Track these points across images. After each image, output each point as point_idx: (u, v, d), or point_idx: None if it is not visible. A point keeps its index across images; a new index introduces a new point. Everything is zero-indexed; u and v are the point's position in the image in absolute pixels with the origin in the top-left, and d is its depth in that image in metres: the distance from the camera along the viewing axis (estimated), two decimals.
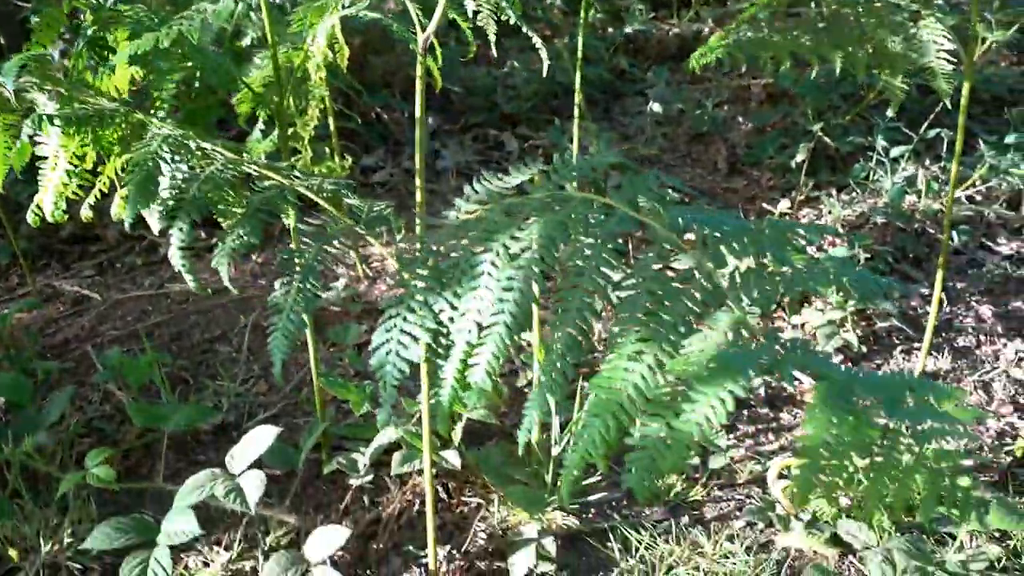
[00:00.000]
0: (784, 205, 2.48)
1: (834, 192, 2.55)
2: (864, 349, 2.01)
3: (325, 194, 1.31)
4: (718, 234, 0.97)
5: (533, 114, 2.93)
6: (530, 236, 1.03)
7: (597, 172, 1.12)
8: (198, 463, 1.74)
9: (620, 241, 1.01)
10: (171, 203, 1.18)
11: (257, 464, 1.50)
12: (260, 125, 2.22)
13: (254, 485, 1.42)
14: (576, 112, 1.92)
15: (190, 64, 1.42)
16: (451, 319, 1.04)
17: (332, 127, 2.07)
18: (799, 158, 2.56)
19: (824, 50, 2.01)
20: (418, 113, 1.25)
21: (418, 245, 1.15)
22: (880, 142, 2.44)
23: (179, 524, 1.42)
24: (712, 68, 3.32)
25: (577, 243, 1.01)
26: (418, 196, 1.27)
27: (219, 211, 1.26)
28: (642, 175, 1.07)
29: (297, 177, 1.34)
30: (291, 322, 1.13)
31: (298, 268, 1.15)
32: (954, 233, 2.33)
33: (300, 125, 2.00)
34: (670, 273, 0.98)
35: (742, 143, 2.86)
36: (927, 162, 2.58)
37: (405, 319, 1.02)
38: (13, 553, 1.49)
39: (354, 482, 1.62)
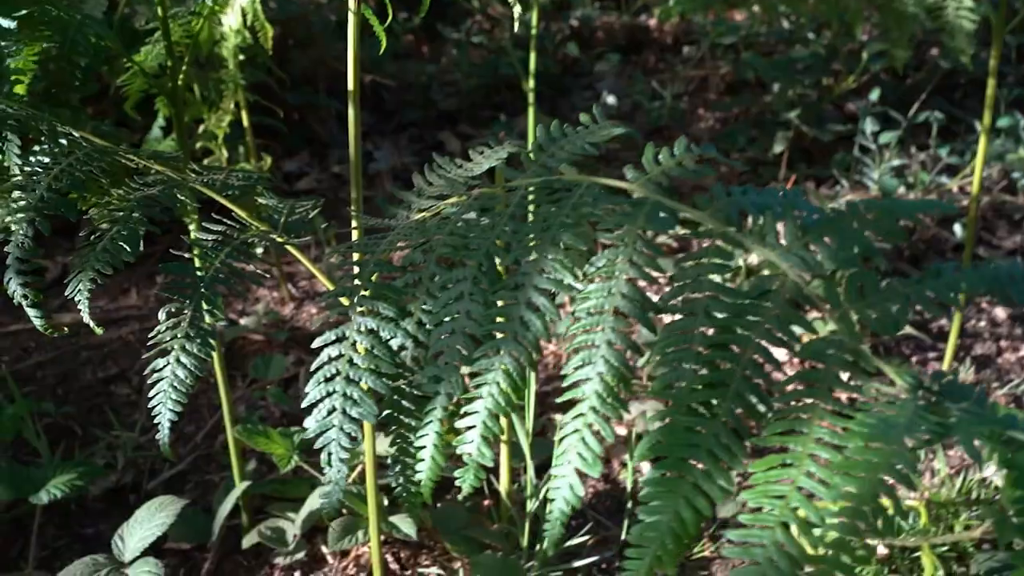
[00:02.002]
0: None
1: (813, 186, 2.30)
2: None
3: (232, 191, 0.99)
4: (805, 226, 0.68)
5: (474, 111, 2.63)
6: (525, 241, 0.73)
7: (596, 149, 0.83)
8: (83, 539, 1.39)
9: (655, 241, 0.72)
10: (13, 206, 0.85)
11: (154, 546, 1.16)
12: (160, 121, 1.88)
13: None
14: (531, 97, 1.62)
15: (48, 32, 1.09)
16: (417, 360, 0.73)
17: (246, 123, 1.74)
18: (777, 149, 2.30)
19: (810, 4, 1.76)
20: (351, 85, 0.95)
21: (358, 256, 0.84)
22: (869, 126, 2.19)
23: None
24: (668, 58, 3.05)
25: (593, 252, 0.71)
26: (353, 191, 0.95)
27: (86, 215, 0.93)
28: (666, 147, 0.78)
29: (193, 170, 1.02)
30: (183, 367, 0.81)
31: (192, 291, 0.83)
32: (956, 227, 2.09)
33: (212, 121, 1.67)
34: (729, 289, 0.68)
35: (706, 136, 2.59)
36: (913, 150, 2.34)
37: (351, 362, 0.71)
38: None
39: (282, 560, 1.29)
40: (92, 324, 0.83)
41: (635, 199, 0.73)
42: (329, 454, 0.70)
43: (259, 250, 0.90)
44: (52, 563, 1.32)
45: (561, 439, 0.68)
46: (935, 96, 2.47)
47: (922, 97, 2.32)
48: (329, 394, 0.72)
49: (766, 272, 0.67)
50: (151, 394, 0.80)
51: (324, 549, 1.34)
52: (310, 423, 0.71)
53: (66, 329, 0.86)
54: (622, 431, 1.58)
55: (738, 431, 0.65)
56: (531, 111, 1.62)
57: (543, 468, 1.44)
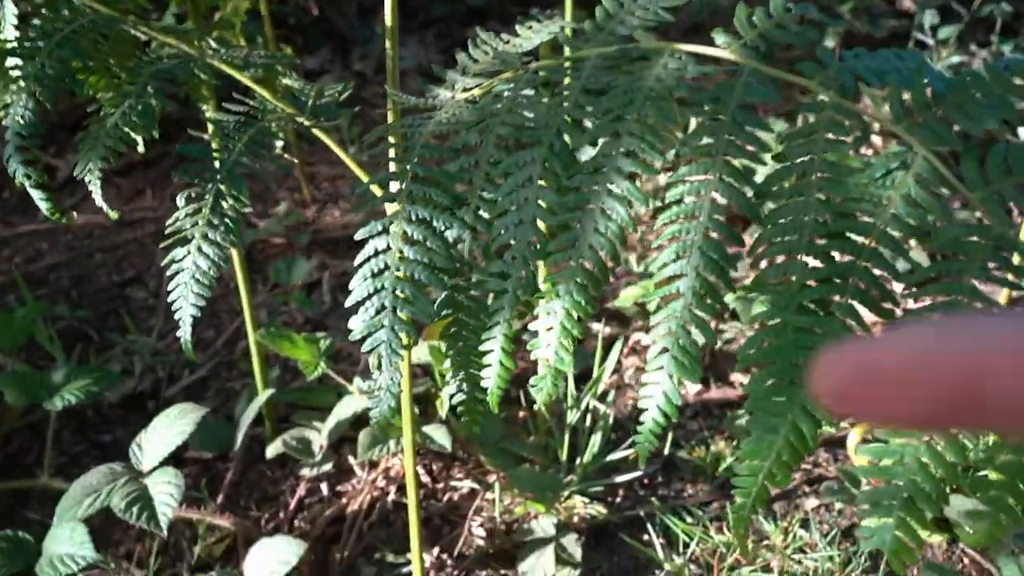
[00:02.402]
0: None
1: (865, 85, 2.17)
2: None
3: (254, 70, 0.89)
4: (936, 94, 0.58)
5: (503, 6, 2.49)
6: (604, 119, 0.63)
7: (671, 15, 0.72)
8: (101, 447, 1.33)
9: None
10: (11, 75, 0.76)
11: (174, 455, 1.09)
12: (173, 8, 1.77)
13: (167, 492, 1.01)
14: None
15: None
16: (482, 250, 0.64)
17: (264, 11, 1.62)
18: (828, 44, 2.17)
19: None
20: None
21: (400, 137, 0.75)
22: (928, 18, 2.05)
23: (66, 546, 1.01)
24: None
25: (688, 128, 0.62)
26: (388, 60, 0.85)
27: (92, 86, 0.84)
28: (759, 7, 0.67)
29: (212, 48, 0.92)
30: (205, 257, 0.73)
31: (213, 174, 0.74)
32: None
33: (228, 9, 1.55)
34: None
35: None
36: (973, 47, 2.20)
37: (402, 255, 0.62)
38: None
39: (308, 471, 1.22)
40: (106, 207, 0.74)
41: (730, 68, 0.63)
42: (379, 357, 0.62)
43: (279, 143, 0.80)
44: (69, 470, 1.25)
45: (653, 342, 0.59)
46: None
47: None
48: (377, 291, 0.63)
49: (892, 148, 0.57)
50: (170, 287, 0.71)
51: (352, 460, 1.28)
52: (355, 323, 0.62)
53: (75, 215, 0.77)
54: None
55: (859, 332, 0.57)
56: (568, 2, 1.50)
57: (583, 377, 1.37)
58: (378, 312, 0.62)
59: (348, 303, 0.63)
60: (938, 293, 0.55)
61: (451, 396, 0.67)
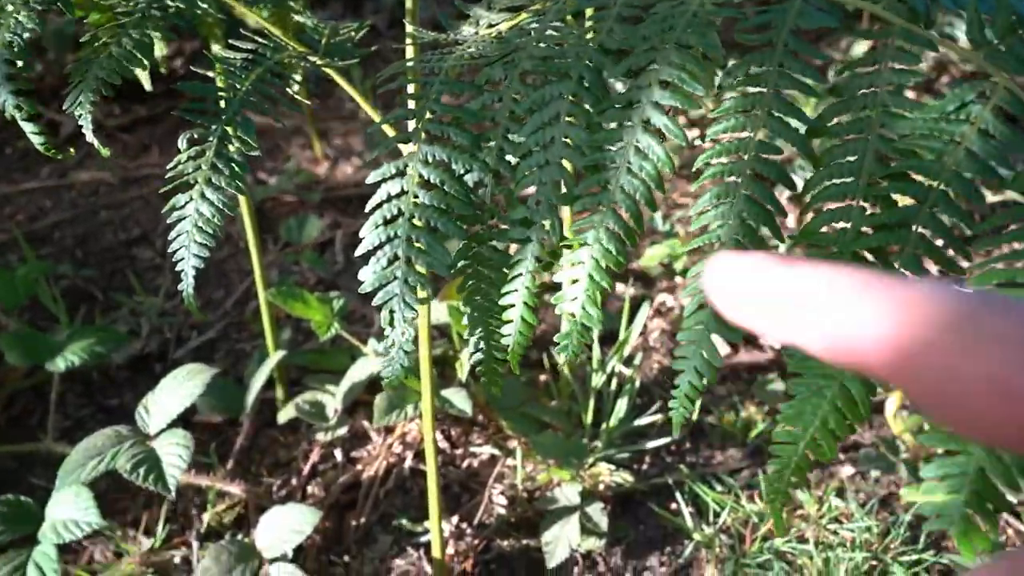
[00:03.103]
0: None
1: None
2: None
3: (264, 4, 0.83)
4: (1021, 16, 0.51)
5: None
6: (639, 47, 0.57)
7: None
8: (107, 411, 1.28)
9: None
10: None
11: (182, 418, 1.05)
12: None
13: (176, 454, 0.96)
14: None
15: None
16: (497, 201, 0.59)
17: None
18: None
19: None
20: None
21: (418, 74, 0.69)
22: None
23: (70, 511, 0.97)
24: None
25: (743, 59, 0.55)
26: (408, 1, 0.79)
27: (90, 22, 0.78)
28: None
29: None
30: (208, 203, 0.67)
31: (219, 114, 0.68)
32: None
33: None
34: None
35: None
36: None
37: (417, 201, 0.56)
38: None
39: (322, 436, 1.17)
40: (97, 144, 0.69)
41: None
42: (391, 312, 0.56)
43: (296, 85, 0.74)
44: (73, 434, 1.21)
45: (691, 295, 0.53)
46: None
47: None
48: (390, 239, 0.58)
49: (968, 79, 0.51)
50: (171, 235, 0.66)
51: (367, 425, 1.23)
52: (366, 274, 0.57)
53: (72, 152, 0.72)
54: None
55: None
56: None
57: (607, 340, 1.31)
58: (391, 263, 0.57)
59: (359, 251, 0.58)
60: (1014, 241, 0.49)
61: (470, 356, 0.61)
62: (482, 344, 0.60)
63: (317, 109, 1.83)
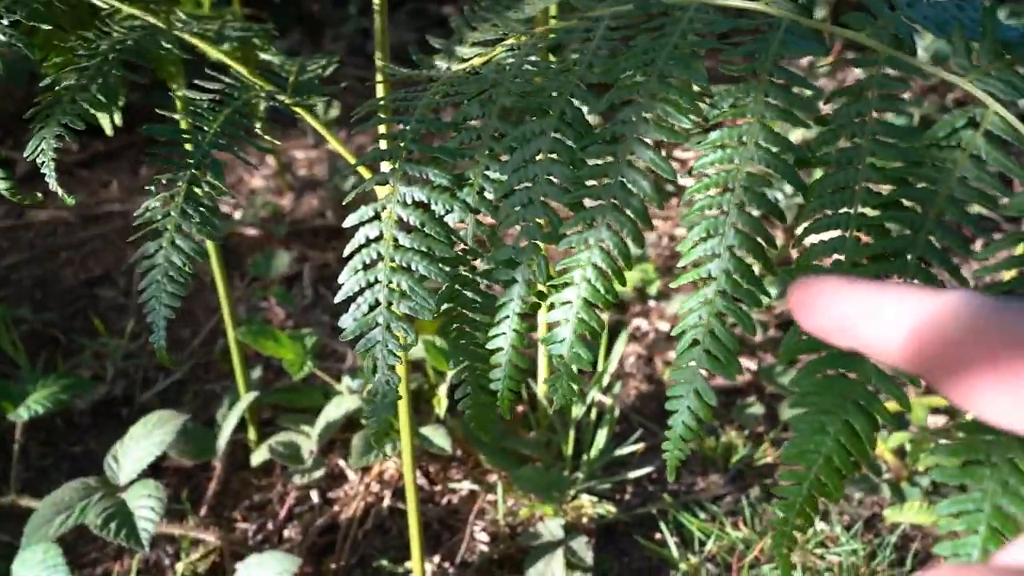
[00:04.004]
0: None
1: None
2: None
3: (229, 44, 0.81)
4: (1007, 43, 0.51)
5: None
6: (622, 81, 0.55)
7: None
8: (72, 459, 1.24)
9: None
10: None
11: (152, 465, 1.01)
12: None
13: (148, 507, 0.93)
14: None
15: None
16: (481, 242, 0.57)
17: None
18: (820, 13, 2.11)
19: None
20: None
21: (391, 112, 0.67)
22: None
23: (37, 569, 0.93)
24: None
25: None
26: (377, 33, 0.77)
27: (48, 65, 0.76)
28: None
29: (182, 20, 0.84)
30: (179, 252, 0.65)
31: (187, 159, 0.66)
32: None
33: None
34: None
35: None
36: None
37: (397, 244, 0.55)
38: None
39: (298, 479, 1.14)
40: (61, 191, 0.66)
41: (763, 20, 0.55)
42: (374, 360, 0.54)
43: (257, 126, 0.72)
44: (38, 486, 1.17)
45: (681, 333, 0.52)
46: None
47: None
48: (370, 284, 0.56)
49: (956, 107, 0.50)
50: (141, 285, 0.64)
51: (343, 464, 1.20)
52: (347, 321, 0.55)
53: (40, 196, 0.69)
54: (664, 326, 1.43)
55: None
56: None
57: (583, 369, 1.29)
58: (372, 308, 0.55)
59: (338, 299, 0.56)
60: (1014, 267, 0.48)
61: (458, 400, 0.59)
62: (469, 388, 0.58)
63: (280, 139, 1.81)
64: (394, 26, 2.24)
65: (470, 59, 0.69)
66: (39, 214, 1.67)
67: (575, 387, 0.53)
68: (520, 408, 1.25)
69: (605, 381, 1.21)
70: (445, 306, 0.57)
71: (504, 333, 0.54)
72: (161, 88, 0.97)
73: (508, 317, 0.54)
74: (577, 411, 1.19)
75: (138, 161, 1.78)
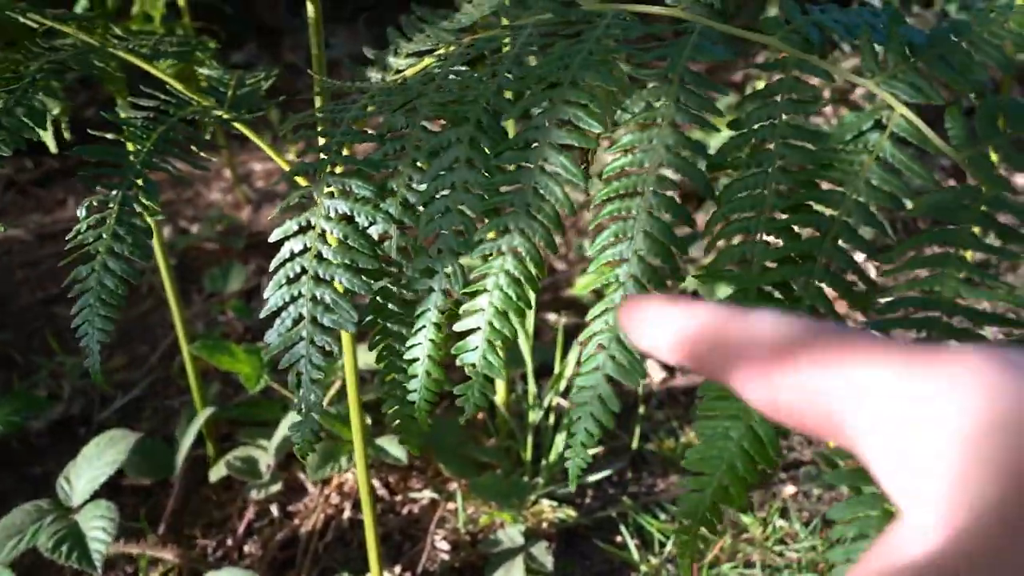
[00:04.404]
0: None
1: None
2: None
3: (166, 59, 0.81)
4: (913, 47, 0.51)
5: None
6: (537, 88, 0.56)
7: None
8: (30, 479, 1.23)
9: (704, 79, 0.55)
10: None
11: (109, 485, 1.01)
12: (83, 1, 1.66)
13: (100, 527, 0.93)
14: None
15: None
16: (405, 252, 0.57)
17: (181, 2, 1.53)
18: (773, 11, 2.11)
19: None
20: None
21: (320, 127, 0.67)
22: None
23: None
24: None
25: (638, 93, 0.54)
26: (314, 47, 0.77)
27: None
28: None
29: (116, 35, 0.83)
30: (111, 275, 0.65)
31: (120, 178, 0.66)
32: None
33: (147, 2, 1.45)
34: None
35: None
36: (915, 8, 2.15)
37: (320, 257, 0.55)
38: None
39: (255, 494, 1.14)
40: None
41: (680, 27, 0.56)
42: (298, 374, 0.54)
43: (207, 135, 0.72)
44: None
45: (589, 337, 0.52)
46: None
47: None
48: (294, 299, 0.56)
49: (864, 107, 0.51)
50: (73, 310, 0.63)
51: (302, 476, 1.20)
52: (271, 336, 0.55)
53: (2, 228, 0.68)
54: None
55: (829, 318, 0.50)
56: None
57: (542, 373, 1.30)
58: (296, 323, 0.55)
59: (263, 314, 0.56)
60: (920, 268, 0.48)
61: (372, 405, 0.59)
62: (392, 400, 0.58)
63: (237, 151, 1.80)
64: (352, 37, 2.24)
65: (403, 70, 0.69)
66: None
67: (487, 396, 0.53)
68: (479, 415, 1.25)
69: (563, 385, 1.22)
70: (369, 318, 0.58)
71: (420, 343, 0.54)
72: (111, 109, 0.97)
73: (424, 327, 0.54)
74: (535, 416, 1.19)
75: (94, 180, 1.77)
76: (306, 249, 0.57)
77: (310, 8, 0.76)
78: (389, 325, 0.57)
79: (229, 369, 1.18)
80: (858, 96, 1.83)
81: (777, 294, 0.49)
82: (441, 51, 0.68)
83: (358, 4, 2.36)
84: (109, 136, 0.73)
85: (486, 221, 0.53)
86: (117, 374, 1.37)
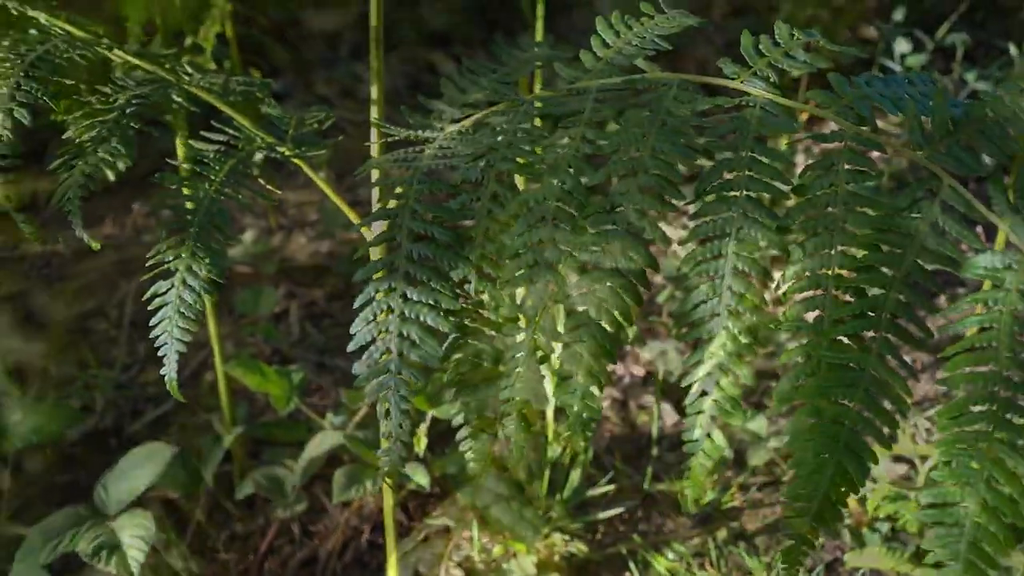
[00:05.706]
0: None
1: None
2: None
3: (233, 97, 0.86)
4: (955, 121, 0.57)
5: (468, 28, 2.47)
6: (618, 155, 0.61)
7: (669, 43, 0.71)
8: (61, 488, 1.27)
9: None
10: None
11: (139, 496, 1.05)
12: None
13: (138, 537, 0.97)
14: (539, 9, 1.47)
15: None
16: (489, 292, 0.62)
17: (229, 34, 1.59)
18: (794, 74, 2.18)
19: None
20: None
21: (386, 172, 0.72)
22: (901, 46, 2.05)
23: None
24: None
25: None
26: (373, 90, 0.82)
27: (63, 120, 0.80)
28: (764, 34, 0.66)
29: (188, 73, 0.89)
30: (191, 291, 0.70)
31: (198, 205, 0.71)
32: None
33: (201, 34, 1.51)
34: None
35: (713, 61, 2.46)
36: (933, 75, 2.22)
37: (405, 297, 0.59)
38: None
39: (280, 512, 1.17)
40: (87, 237, 0.71)
41: (741, 99, 0.61)
42: (388, 408, 0.59)
43: (257, 170, 0.78)
44: (25, 514, 1.19)
45: (692, 386, 0.57)
46: (955, 20, 2.36)
47: (952, 18, 2.19)
48: (380, 334, 0.60)
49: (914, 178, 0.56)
50: (153, 321, 0.68)
51: (324, 499, 1.24)
52: (360, 368, 0.59)
53: (61, 241, 0.73)
54: (639, 371, 1.48)
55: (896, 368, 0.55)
56: (539, 24, 1.47)
57: (561, 410, 1.34)
58: (382, 355, 0.59)
59: (351, 348, 0.60)
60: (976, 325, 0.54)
61: (466, 449, 0.64)
62: (474, 436, 0.63)
63: (270, 179, 1.85)
64: (386, 72, 2.30)
65: (460, 120, 0.74)
66: (33, 246, 1.70)
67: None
68: (497, 448, 1.29)
69: None
70: (453, 355, 0.62)
71: (514, 397, 0.59)
72: (140, 133, 1.02)
73: (518, 369, 0.59)
74: (552, 452, 1.24)
75: (131, 198, 1.82)
76: (392, 288, 0.61)
77: (372, 59, 0.81)
78: (473, 362, 0.62)
79: (259, 389, 1.22)
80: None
81: (849, 343, 0.54)
82: (502, 106, 0.72)
83: (390, 40, 2.42)
84: (186, 166, 0.79)
85: (574, 274, 0.58)
86: (151, 388, 1.41)
